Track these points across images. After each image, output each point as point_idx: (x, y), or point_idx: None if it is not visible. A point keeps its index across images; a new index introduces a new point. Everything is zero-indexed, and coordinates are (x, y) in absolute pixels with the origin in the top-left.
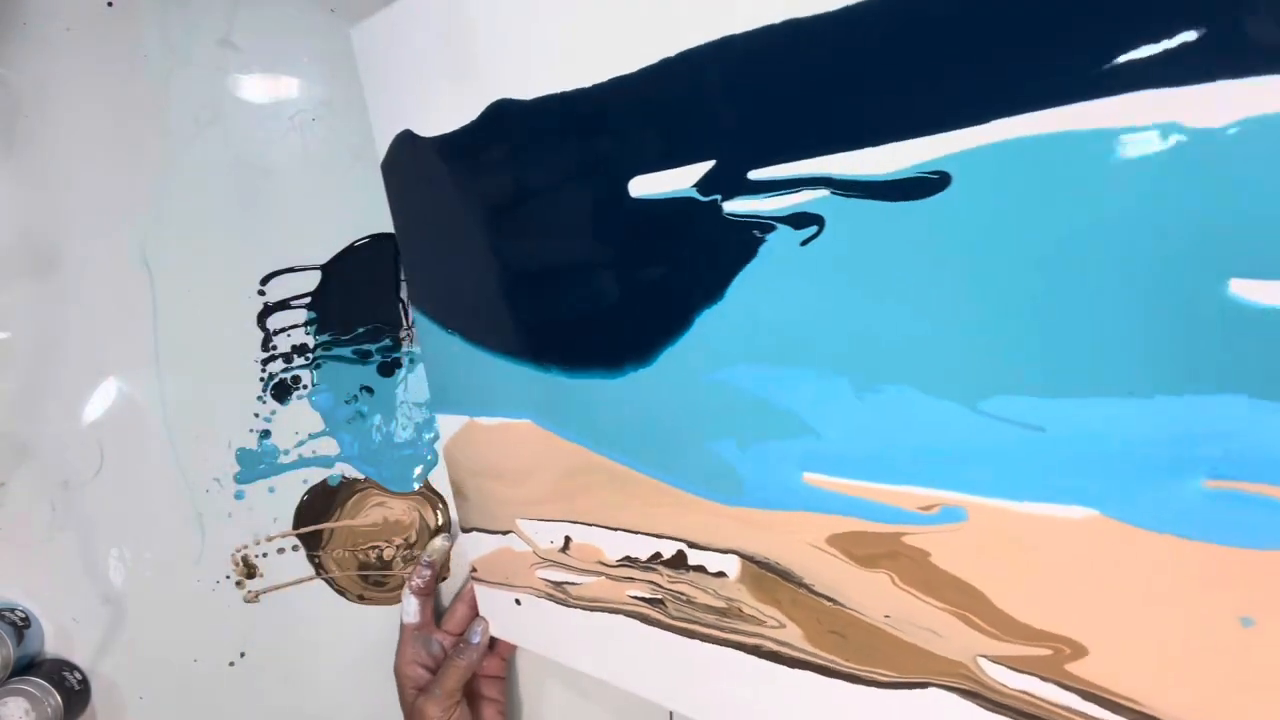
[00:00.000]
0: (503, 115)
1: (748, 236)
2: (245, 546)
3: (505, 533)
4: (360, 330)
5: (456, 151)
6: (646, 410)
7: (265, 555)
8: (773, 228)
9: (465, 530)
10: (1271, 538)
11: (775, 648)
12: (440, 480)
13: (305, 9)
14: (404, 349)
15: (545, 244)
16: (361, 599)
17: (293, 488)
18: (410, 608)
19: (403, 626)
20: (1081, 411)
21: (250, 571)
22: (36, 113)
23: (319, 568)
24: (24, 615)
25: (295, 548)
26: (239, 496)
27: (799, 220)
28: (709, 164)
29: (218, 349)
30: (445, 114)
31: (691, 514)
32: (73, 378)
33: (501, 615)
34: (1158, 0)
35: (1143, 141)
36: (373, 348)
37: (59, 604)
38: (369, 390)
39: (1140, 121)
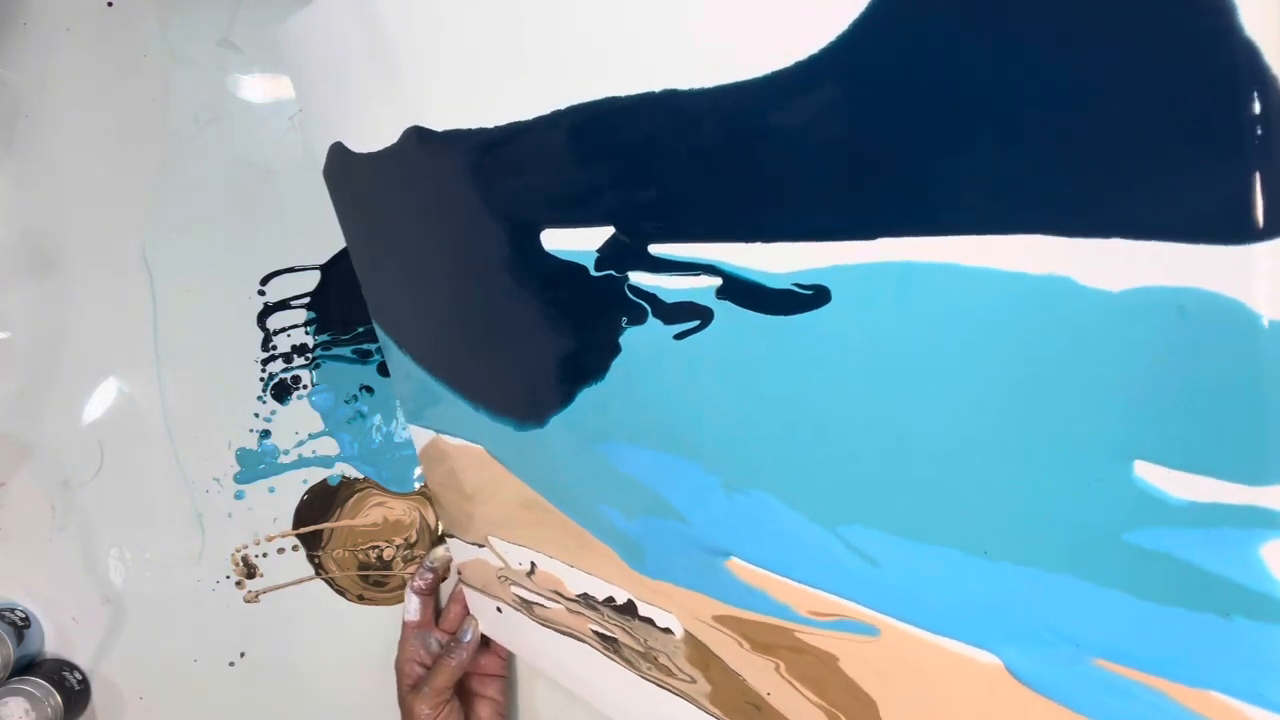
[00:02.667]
0: (418, 143)
1: (617, 320)
2: (245, 546)
3: (480, 546)
4: (360, 330)
5: (382, 173)
6: (553, 466)
7: (265, 555)
8: (644, 317)
9: (446, 535)
10: None
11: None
12: None
13: None
14: None
15: (463, 282)
16: (361, 599)
17: (293, 488)
18: (412, 606)
19: (404, 624)
20: (956, 563)
21: (250, 571)
22: (36, 113)
23: (319, 568)
24: (24, 615)
25: (295, 548)
26: (239, 496)
27: (686, 311)
28: (608, 230)
29: (218, 349)
30: (371, 131)
31: (617, 570)
32: (73, 378)
33: (489, 618)
34: (1053, 140)
35: (1033, 292)
36: (372, 347)
37: (59, 604)
38: (369, 390)
39: (1031, 268)
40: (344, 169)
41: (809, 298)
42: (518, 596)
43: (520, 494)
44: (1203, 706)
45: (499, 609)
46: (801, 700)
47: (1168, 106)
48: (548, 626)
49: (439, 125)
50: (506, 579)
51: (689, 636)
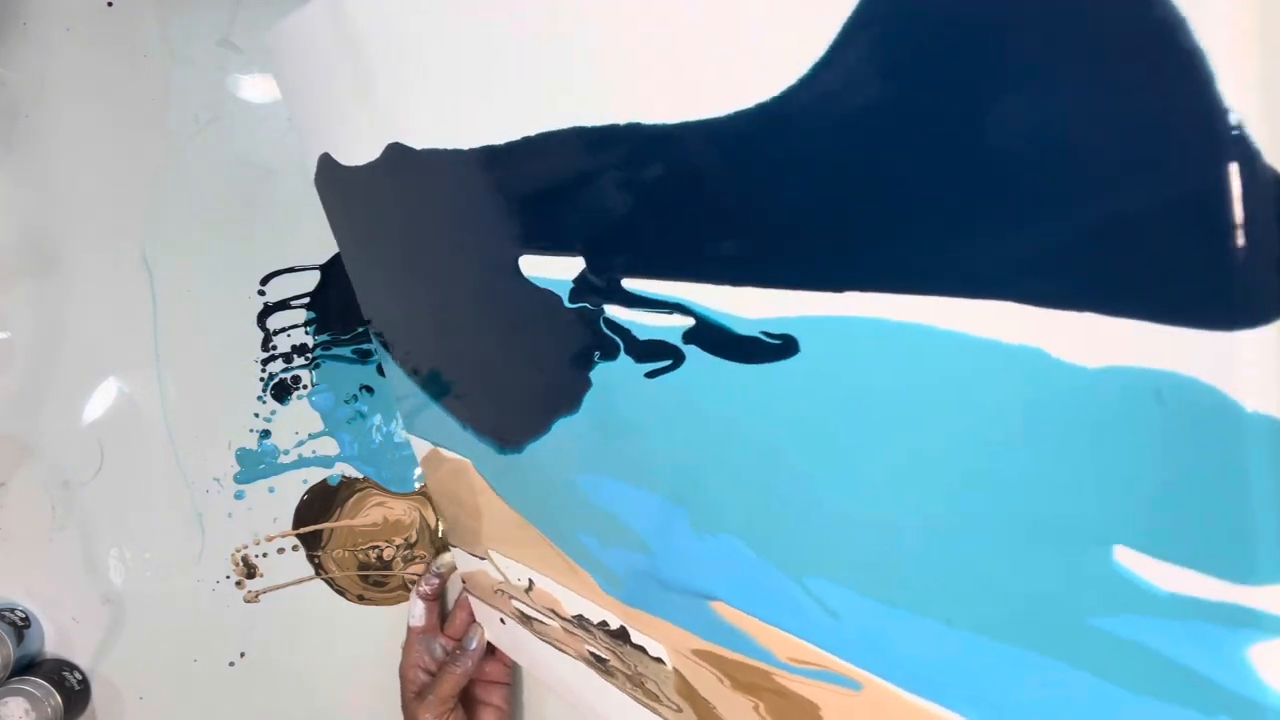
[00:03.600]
0: (398, 160)
1: (590, 353)
2: (245, 546)
3: (481, 559)
4: (360, 329)
5: (367, 187)
6: (532, 490)
7: (265, 555)
8: (616, 353)
9: (450, 544)
10: None
11: None
12: None
13: None
14: None
15: (446, 301)
16: (361, 599)
17: (293, 488)
18: (417, 611)
19: (409, 629)
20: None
21: (250, 571)
22: (36, 113)
23: (319, 568)
24: (24, 615)
25: (295, 548)
26: (239, 496)
27: (657, 350)
28: (579, 261)
29: (218, 349)
30: (356, 145)
31: (598, 595)
32: (73, 378)
33: (493, 626)
34: (1029, 206)
35: (1006, 362)
36: (372, 347)
37: (59, 604)
38: (369, 390)
39: (1004, 337)
40: (332, 180)
41: (777, 347)
42: (518, 611)
43: (508, 513)
44: None
45: (502, 620)
46: None
47: (1148, 182)
48: (546, 642)
49: (418, 143)
50: (505, 593)
51: (677, 669)
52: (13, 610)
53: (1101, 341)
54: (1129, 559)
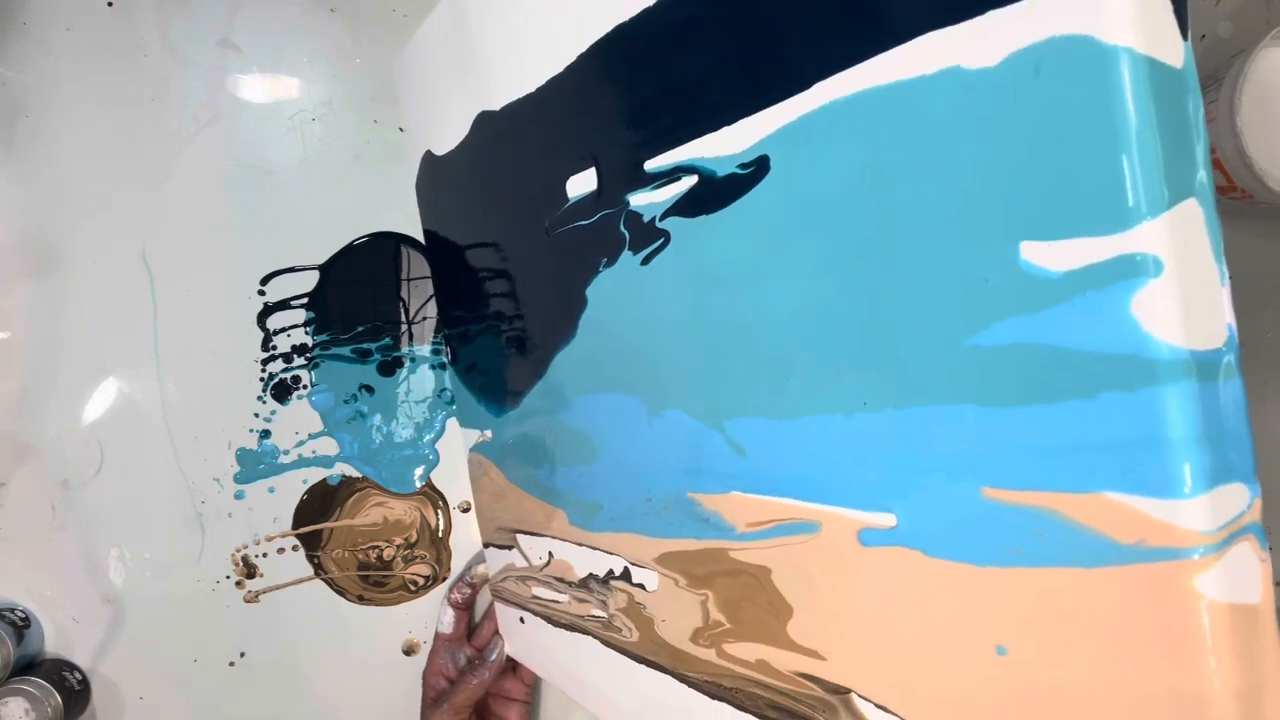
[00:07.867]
0: (484, 126)
1: (596, 264)
2: (245, 546)
3: (509, 547)
4: (360, 329)
5: (459, 167)
6: (524, 450)
7: (265, 555)
8: (619, 251)
9: (484, 545)
10: (1036, 555)
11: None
12: (441, 480)
13: (305, 9)
14: (404, 348)
15: (513, 257)
16: (361, 599)
17: (293, 488)
18: (446, 619)
19: (436, 635)
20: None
21: (250, 571)
22: (36, 113)
23: (319, 568)
24: (24, 615)
25: (295, 548)
26: (239, 496)
27: (653, 233)
28: (611, 161)
29: (218, 349)
30: (451, 130)
31: (573, 533)
32: (73, 378)
33: (514, 634)
34: None
35: (932, 92)
36: (372, 346)
37: (59, 604)
38: (369, 389)
39: (928, 69)
40: (431, 173)
41: (752, 173)
42: (536, 597)
43: (503, 484)
44: (1095, 514)
45: (521, 619)
46: (696, 614)
47: None
48: (558, 625)
49: (499, 104)
50: (528, 579)
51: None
52: (13, 610)
53: (1002, 34)
54: (1032, 252)
